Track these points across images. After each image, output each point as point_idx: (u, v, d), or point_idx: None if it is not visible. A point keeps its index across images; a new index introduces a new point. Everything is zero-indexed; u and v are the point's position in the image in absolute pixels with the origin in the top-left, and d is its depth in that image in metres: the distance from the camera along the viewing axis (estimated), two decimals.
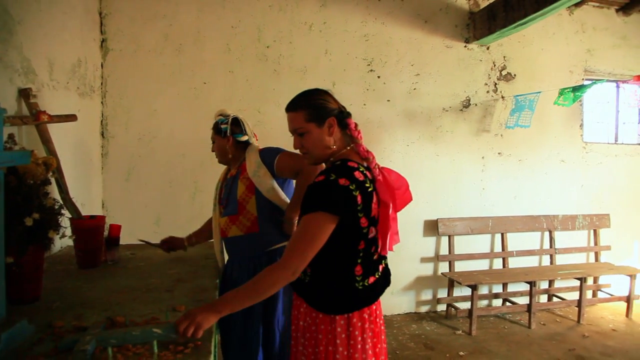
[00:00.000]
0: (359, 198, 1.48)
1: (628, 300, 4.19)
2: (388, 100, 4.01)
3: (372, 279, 1.61)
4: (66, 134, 2.76)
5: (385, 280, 1.71)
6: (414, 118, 4.07)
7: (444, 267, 4.18)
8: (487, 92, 4.27)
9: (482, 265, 4.27)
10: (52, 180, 2.16)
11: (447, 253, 4.14)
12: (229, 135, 2.32)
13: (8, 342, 1.29)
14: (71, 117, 2.45)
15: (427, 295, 4.21)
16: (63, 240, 1.94)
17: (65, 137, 2.74)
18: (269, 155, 2.23)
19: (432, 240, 4.19)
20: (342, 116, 1.62)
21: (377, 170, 1.59)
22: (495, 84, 4.30)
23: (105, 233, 2.36)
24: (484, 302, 4.30)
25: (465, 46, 4.20)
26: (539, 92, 3.85)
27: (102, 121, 3.50)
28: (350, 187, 1.47)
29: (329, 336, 1.57)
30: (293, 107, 1.63)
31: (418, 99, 4.06)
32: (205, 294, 1.82)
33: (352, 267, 1.56)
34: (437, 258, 4.18)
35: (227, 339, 2.26)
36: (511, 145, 4.34)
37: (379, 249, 1.62)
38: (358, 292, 1.57)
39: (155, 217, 3.59)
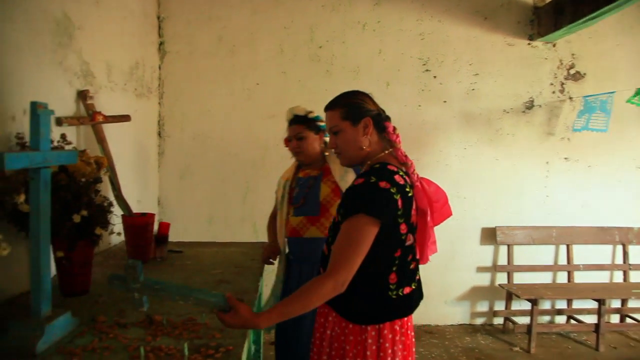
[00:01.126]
0: (399, 202, 1.42)
1: None
2: (444, 101, 3.85)
3: (407, 290, 1.54)
4: (125, 134, 2.86)
5: (420, 291, 1.63)
6: (472, 120, 3.89)
7: (501, 278, 3.96)
8: (553, 92, 4.00)
9: (544, 278, 3.99)
10: (105, 178, 2.24)
11: (506, 263, 3.92)
12: (320, 133, 2.36)
13: (51, 334, 1.32)
14: (125, 118, 2.52)
15: (482, 307, 4.01)
16: (118, 236, 1.99)
17: (124, 137, 2.85)
18: None
19: (490, 249, 3.98)
20: (380, 118, 1.57)
21: (416, 176, 1.53)
22: (562, 83, 4.02)
23: (155, 230, 2.41)
24: (546, 318, 4.03)
25: (528, 44, 3.96)
26: (613, 92, 3.55)
27: (159, 121, 3.61)
28: (391, 190, 1.41)
29: (358, 347, 1.50)
30: (330, 105, 1.61)
31: (476, 100, 3.87)
32: (245, 296, 1.80)
33: (387, 275, 1.49)
34: (495, 268, 3.96)
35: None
36: (579, 150, 4.04)
37: (417, 258, 1.55)
38: (392, 301, 1.50)
39: (208, 215, 3.67)
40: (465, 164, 3.87)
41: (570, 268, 3.97)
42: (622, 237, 4.04)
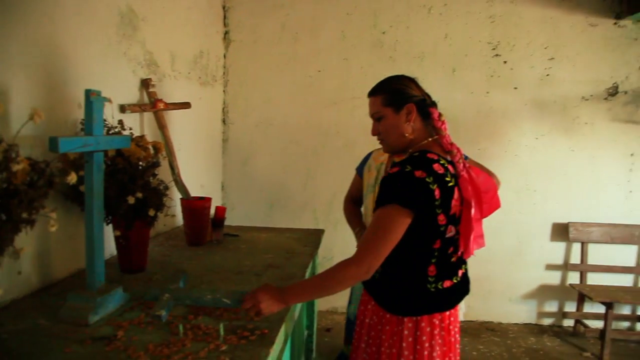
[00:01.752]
0: (436, 192, 1.36)
1: None
2: (515, 88, 3.63)
3: (447, 283, 1.50)
4: (190, 121, 2.98)
5: (464, 287, 1.58)
6: (546, 108, 3.63)
7: (573, 278, 3.70)
8: None
9: (622, 280, 3.67)
10: (165, 162, 2.34)
11: (579, 262, 3.65)
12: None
13: (103, 306, 1.42)
14: (185, 105, 2.62)
15: (551, 307, 3.77)
16: (179, 219, 2.09)
17: (189, 124, 2.97)
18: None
19: (561, 246, 3.72)
20: (424, 104, 1.52)
21: (462, 165, 1.46)
22: None
23: (212, 214, 2.50)
24: (624, 324, 3.72)
25: (615, 23, 3.62)
26: None
27: (223, 108, 3.72)
28: (427, 179, 1.35)
29: (395, 337, 1.49)
30: (373, 91, 1.59)
31: (551, 87, 3.61)
32: (290, 282, 1.81)
33: (426, 266, 1.46)
34: (566, 267, 3.70)
35: None
36: None
37: (458, 251, 1.50)
38: (430, 294, 1.47)
39: (269, 201, 3.74)
40: (537, 155, 3.64)
41: None
42: None
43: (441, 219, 1.40)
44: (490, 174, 2.56)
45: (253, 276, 1.89)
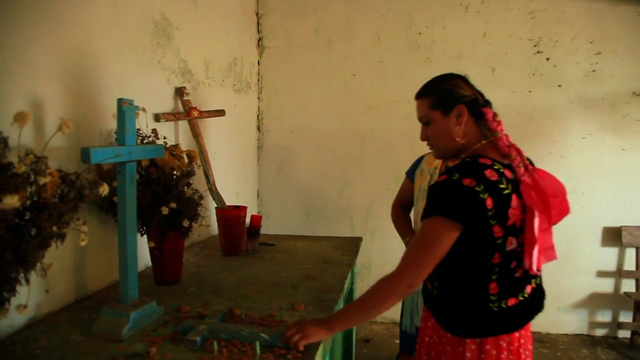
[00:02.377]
0: (488, 202, 1.24)
1: None
2: (559, 86, 3.46)
3: (512, 301, 1.34)
4: (225, 128, 2.97)
5: (535, 304, 1.41)
6: (593, 105, 3.44)
7: (627, 286, 3.47)
8: None
9: None
10: (200, 171, 2.32)
11: (634, 269, 3.43)
12: None
13: (136, 321, 1.38)
14: (220, 112, 2.60)
15: (604, 316, 3.55)
16: (214, 228, 2.06)
17: (224, 131, 2.96)
18: None
19: (613, 251, 3.50)
20: (476, 105, 1.39)
21: (522, 169, 1.31)
22: None
23: (248, 223, 2.46)
24: None
25: None
26: None
27: (258, 115, 3.70)
28: (477, 188, 1.23)
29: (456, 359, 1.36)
30: (419, 93, 1.48)
31: (598, 83, 3.42)
32: (328, 294, 1.75)
33: (486, 283, 1.32)
34: (620, 273, 3.48)
35: None
36: None
37: (523, 265, 1.33)
38: (492, 314, 1.32)
39: (306, 208, 3.69)
40: (584, 155, 3.45)
41: None
42: None
43: (497, 230, 1.26)
44: None
45: (290, 288, 1.83)
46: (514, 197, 1.28)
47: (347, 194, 3.63)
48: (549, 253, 1.34)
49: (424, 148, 2.36)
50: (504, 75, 3.47)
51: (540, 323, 3.55)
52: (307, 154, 3.66)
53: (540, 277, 1.45)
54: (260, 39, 3.68)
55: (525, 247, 1.30)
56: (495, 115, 1.39)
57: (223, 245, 2.33)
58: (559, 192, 1.33)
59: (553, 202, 1.30)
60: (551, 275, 3.50)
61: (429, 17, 3.53)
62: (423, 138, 1.49)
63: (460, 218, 1.24)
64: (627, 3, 3.42)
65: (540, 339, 3.46)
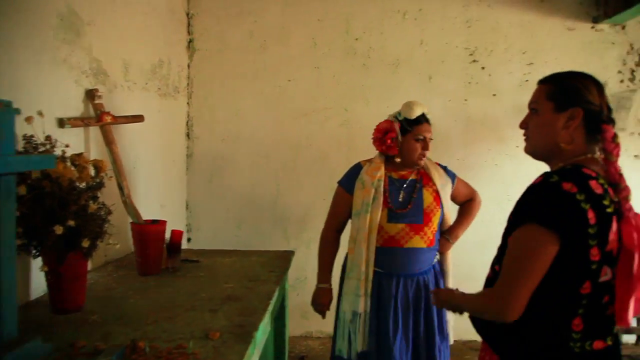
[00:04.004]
0: (590, 214, 1.07)
1: None
2: (494, 95, 3.48)
3: (599, 344, 1.14)
4: (149, 136, 2.76)
5: (618, 351, 1.22)
6: (526, 115, 3.48)
7: None
8: (622, 81, 3.53)
9: None
10: (113, 182, 2.10)
11: None
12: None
13: None
14: (138, 118, 2.38)
15: None
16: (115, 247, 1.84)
17: (147, 139, 2.74)
18: (451, 174, 2.25)
19: None
20: (597, 117, 1.21)
21: (629, 205, 1.14)
22: (633, 71, 3.53)
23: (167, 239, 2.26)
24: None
25: (592, 27, 3.51)
26: None
27: (187, 122, 3.48)
28: (578, 196, 1.07)
29: None
30: (545, 78, 1.34)
31: (531, 92, 3.42)
32: (248, 319, 1.58)
33: (569, 318, 1.12)
34: None
35: None
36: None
37: (615, 306, 1.13)
38: (574, 356, 1.13)
39: (238, 220, 3.49)
40: (518, 163, 3.47)
41: None
42: None
43: (594, 253, 1.08)
44: (472, 192, 2.38)
45: (207, 312, 1.65)
46: (614, 219, 1.11)
47: (281, 205, 3.47)
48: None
49: (360, 157, 2.27)
50: (440, 83, 3.45)
51: (474, 331, 3.52)
52: (239, 162, 3.48)
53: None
54: (190, 41, 3.48)
55: (618, 295, 1.12)
56: (615, 136, 1.20)
57: (139, 264, 2.12)
58: None
59: None
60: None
61: (366, 23, 3.46)
62: (522, 125, 1.35)
63: (558, 227, 1.06)
64: (556, 17, 3.50)
65: (476, 348, 3.42)
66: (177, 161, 3.35)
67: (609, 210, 1.10)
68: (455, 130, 3.45)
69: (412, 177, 2.14)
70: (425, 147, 2.07)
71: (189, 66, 3.47)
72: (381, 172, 2.09)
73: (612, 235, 1.10)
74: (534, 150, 1.32)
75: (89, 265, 1.93)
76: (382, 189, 2.07)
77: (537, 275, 1.08)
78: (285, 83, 3.46)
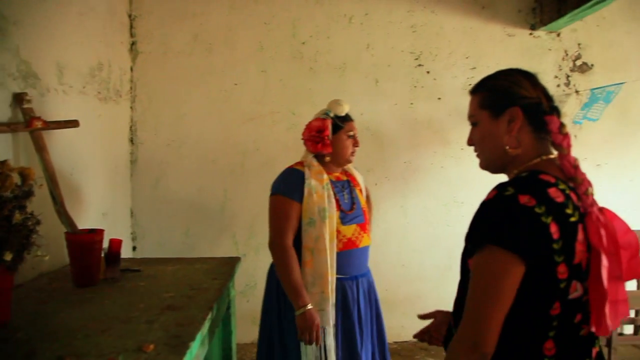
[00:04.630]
0: (552, 228, 0.95)
1: None
2: (439, 98, 3.56)
3: None
4: (87, 141, 2.66)
5: None
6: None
7: None
8: (558, 85, 3.70)
9: None
10: (44, 191, 2.00)
11: None
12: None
13: None
14: (72, 123, 2.28)
15: None
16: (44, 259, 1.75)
17: (85, 144, 2.63)
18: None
19: None
20: (538, 110, 1.12)
21: (591, 198, 1.04)
22: (568, 76, 3.71)
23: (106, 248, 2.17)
24: None
25: (530, 34, 3.66)
26: (622, 83, 3.23)
27: (131, 127, 3.37)
28: (537, 210, 0.95)
29: None
30: (473, 87, 1.26)
31: None
32: (186, 329, 1.53)
33: (540, 341, 1.00)
34: None
35: None
36: (587, 148, 3.71)
37: (590, 322, 1.03)
38: None
39: (185, 227, 3.40)
40: (463, 166, 3.57)
41: None
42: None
43: (561, 270, 0.97)
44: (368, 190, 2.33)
45: (144, 324, 1.58)
46: (580, 228, 1.00)
47: (229, 210, 3.41)
48: (621, 308, 1.04)
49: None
50: (387, 87, 3.50)
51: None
52: (185, 168, 3.39)
53: (599, 339, 1.11)
54: (133, 43, 3.37)
55: (593, 300, 1.01)
56: (562, 126, 1.11)
57: (75, 276, 2.02)
58: (631, 244, 1.03)
59: (623, 255, 1.01)
60: (435, 284, 3.58)
61: (313, 27, 3.47)
62: (468, 142, 1.26)
63: (519, 248, 0.94)
64: (496, 23, 3.63)
65: (426, 347, 3.50)
66: (120, 167, 3.23)
67: (572, 219, 0.99)
68: (402, 133, 3.51)
69: (345, 177, 2.18)
70: (355, 144, 2.09)
71: (131, 69, 3.37)
72: (326, 175, 2.06)
73: (579, 246, 1.00)
74: (487, 165, 1.23)
75: (19, 279, 1.84)
76: (332, 192, 2.04)
77: (507, 302, 0.97)
78: (231, 87, 3.41)
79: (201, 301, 1.83)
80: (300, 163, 2.12)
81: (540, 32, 3.67)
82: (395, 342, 3.55)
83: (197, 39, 3.40)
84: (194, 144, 3.38)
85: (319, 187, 2.00)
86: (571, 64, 3.71)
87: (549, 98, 1.16)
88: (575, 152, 3.34)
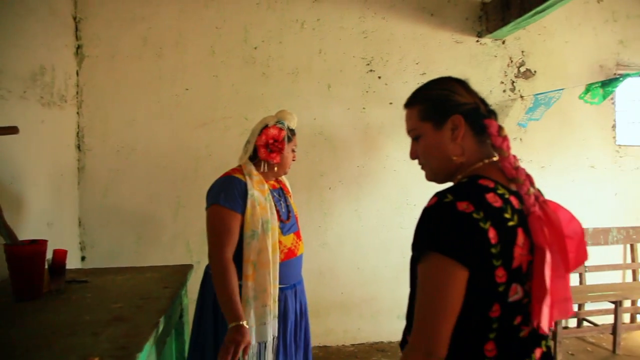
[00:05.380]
0: (491, 234, 0.97)
1: None
2: (390, 103, 3.63)
3: None
4: (30, 148, 2.55)
5: None
6: None
7: None
8: (504, 91, 3.85)
9: None
10: None
11: None
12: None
13: None
14: (10, 130, 2.17)
15: None
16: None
17: (27, 152, 2.52)
18: None
19: None
20: (477, 115, 1.15)
21: (532, 198, 1.06)
22: (513, 82, 3.87)
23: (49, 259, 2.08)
24: None
25: (477, 41, 3.80)
26: (561, 90, 3.41)
27: (77, 133, 3.25)
28: (475, 215, 0.97)
29: None
30: (408, 101, 1.25)
31: None
32: (134, 340, 1.49)
33: (481, 344, 1.02)
34: None
35: None
36: (532, 150, 3.88)
37: (531, 322, 1.06)
38: None
39: (136, 235, 3.31)
40: (415, 169, 3.56)
41: None
42: None
43: (500, 274, 0.99)
44: None
45: (89, 336, 1.53)
46: (520, 231, 1.02)
47: (182, 217, 3.34)
48: (563, 306, 1.07)
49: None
50: (339, 92, 3.54)
51: (381, 333, 3.64)
52: (136, 174, 3.30)
53: (549, 337, 1.15)
54: (79, 47, 3.26)
55: (534, 298, 1.03)
56: (500, 129, 1.14)
57: (15, 289, 1.93)
58: (576, 232, 1.07)
59: (569, 243, 1.03)
60: (391, 286, 3.63)
61: (265, 32, 3.46)
62: (412, 156, 1.26)
63: (459, 255, 0.97)
64: (445, 30, 3.74)
65: (383, 349, 3.55)
66: (66, 175, 3.11)
67: (511, 223, 1.01)
68: (355, 137, 3.55)
69: (278, 185, 2.15)
70: (294, 158, 2.09)
71: (77, 73, 3.26)
72: (266, 186, 2.00)
73: (519, 250, 1.01)
74: (435, 176, 1.24)
75: None
76: (273, 203, 1.98)
77: (455, 307, 0.98)
78: (182, 92, 3.36)
79: (151, 311, 1.79)
80: (239, 170, 2.04)
81: (487, 40, 3.82)
82: (352, 345, 3.59)
83: (146, 42, 3.33)
84: (144, 150, 3.30)
85: (261, 199, 1.93)
86: (516, 71, 3.88)
87: (484, 102, 1.19)
88: (520, 154, 3.51)
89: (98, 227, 3.26)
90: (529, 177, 1.10)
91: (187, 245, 3.34)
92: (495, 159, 1.15)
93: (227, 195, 1.91)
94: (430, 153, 1.19)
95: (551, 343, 3.44)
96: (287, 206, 2.09)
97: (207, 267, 2.09)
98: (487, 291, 1.00)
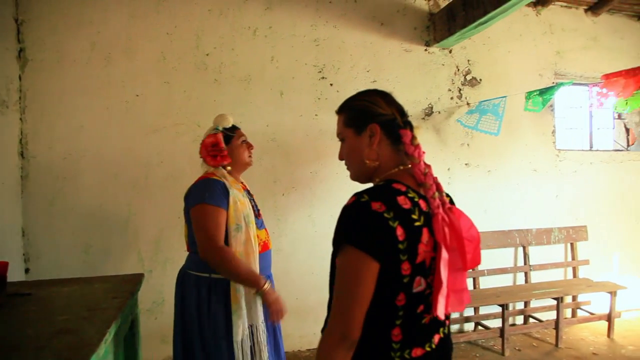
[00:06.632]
0: (399, 231, 1.10)
1: (609, 319, 3.89)
2: None
3: (418, 351, 1.18)
4: None
5: (441, 357, 1.26)
6: None
7: None
8: (451, 98, 4.00)
9: None
10: None
11: None
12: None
13: None
14: None
15: None
16: None
17: None
18: None
19: None
20: (393, 125, 1.28)
21: (437, 201, 1.19)
22: (460, 89, 4.03)
23: None
24: (454, 327, 3.97)
25: (425, 50, 3.93)
26: (504, 97, 3.58)
27: (20, 140, 3.13)
28: (386, 215, 1.10)
29: None
30: (338, 108, 1.41)
31: None
32: (81, 352, 1.47)
33: (388, 329, 1.15)
34: None
35: None
36: (479, 155, 4.06)
37: (432, 310, 1.18)
38: None
39: (84, 244, 3.21)
40: None
41: (475, 274, 3.97)
42: (522, 239, 4.11)
43: (405, 267, 1.12)
44: None
45: (32, 351, 1.49)
46: (425, 231, 1.16)
47: (133, 225, 3.27)
48: (460, 296, 1.21)
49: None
50: (292, 98, 3.58)
51: (312, 340, 3.64)
52: (84, 182, 3.20)
53: (448, 326, 1.32)
54: (21, 50, 3.15)
55: (434, 289, 1.17)
56: (413, 138, 1.27)
57: None
58: (474, 237, 1.20)
59: (467, 245, 1.17)
60: (322, 287, 3.66)
61: (217, 39, 3.46)
62: (339, 157, 1.40)
63: (370, 248, 1.09)
64: (394, 39, 3.85)
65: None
66: (8, 184, 2.99)
67: (417, 223, 1.14)
68: (308, 144, 3.59)
69: (247, 187, 2.31)
70: (250, 147, 2.26)
71: (20, 78, 3.14)
72: (240, 185, 2.20)
73: (423, 247, 1.14)
74: (356, 177, 1.37)
75: None
76: (248, 200, 2.18)
77: (367, 294, 1.11)
78: (133, 98, 3.30)
79: (98, 322, 1.76)
80: (212, 174, 2.15)
81: (434, 49, 3.96)
82: (308, 350, 3.62)
83: (94, 47, 3.25)
84: (93, 157, 3.21)
85: (240, 195, 2.11)
86: (462, 78, 4.03)
87: (402, 114, 1.33)
88: (468, 159, 3.65)
89: (44, 237, 3.14)
90: (437, 184, 1.23)
91: (138, 254, 3.27)
92: (410, 165, 1.28)
93: (211, 194, 2.04)
94: (350, 156, 1.34)
95: (498, 340, 3.60)
96: (255, 205, 2.25)
97: (184, 268, 2.19)
98: (394, 282, 1.13)
